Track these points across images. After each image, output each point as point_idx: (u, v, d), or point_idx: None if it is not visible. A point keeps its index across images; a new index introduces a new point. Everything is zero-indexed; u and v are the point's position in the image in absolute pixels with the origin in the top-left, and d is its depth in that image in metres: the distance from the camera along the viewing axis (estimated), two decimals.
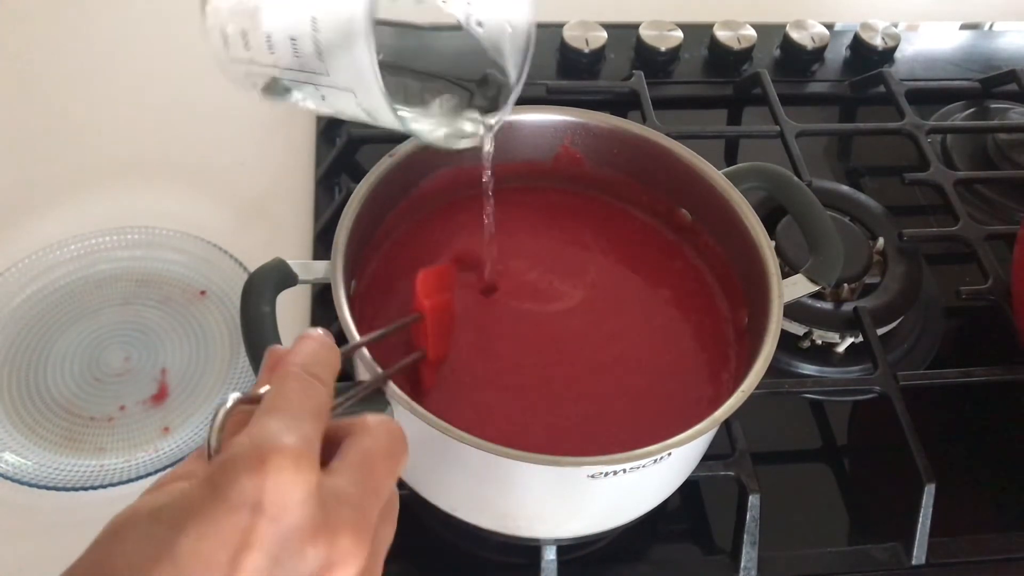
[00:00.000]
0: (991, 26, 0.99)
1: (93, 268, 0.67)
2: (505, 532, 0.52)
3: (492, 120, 0.50)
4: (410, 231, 0.58)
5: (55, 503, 0.56)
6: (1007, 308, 0.67)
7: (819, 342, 0.68)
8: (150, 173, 0.75)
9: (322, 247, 0.69)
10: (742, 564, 0.56)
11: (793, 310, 0.66)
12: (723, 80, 0.86)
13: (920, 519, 0.57)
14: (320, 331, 0.37)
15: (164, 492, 0.31)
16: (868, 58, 0.89)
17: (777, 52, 0.89)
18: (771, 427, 0.65)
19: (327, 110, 0.45)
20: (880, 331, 0.67)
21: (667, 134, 0.59)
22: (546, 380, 0.52)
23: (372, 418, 0.35)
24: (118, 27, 0.86)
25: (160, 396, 0.61)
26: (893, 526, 0.59)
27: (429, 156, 0.56)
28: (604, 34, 0.85)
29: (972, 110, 0.87)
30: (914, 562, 0.58)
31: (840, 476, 0.64)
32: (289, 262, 0.50)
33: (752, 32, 0.87)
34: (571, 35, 0.85)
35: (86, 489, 0.56)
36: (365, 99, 0.42)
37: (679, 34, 0.86)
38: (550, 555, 0.54)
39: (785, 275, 0.53)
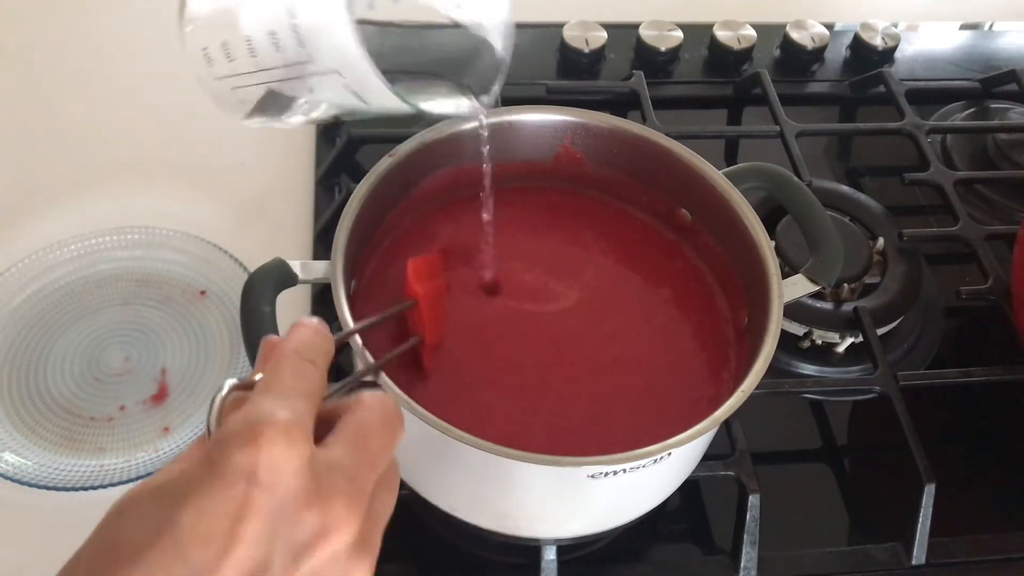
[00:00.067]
0: (991, 26, 0.99)
1: (93, 268, 0.67)
2: (505, 532, 0.52)
3: (487, 98, 0.49)
4: (410, 231, 0.58)
5: (55, 503, 0.56)
6: (1007, 308, 0.67)
7: (819, 342, 0.68)
8: (150, 173, 0.75)
9: (322, 247, 0.69)
10: (742, 564, 0.56)
11: (793, 310, 0.66)
12: (723, 80, 0.86)
13: (920, 519, 0.57)
14: (315, 319, 0.37)
15: (165, 472, 0.32)
16: (868, 58, 0.89)
17: (777, 52, 0.89)
18: (771, 427, 0.65)
19: (317, 115, 0.45)
20: (880, 331, 0.67)
21: (667, 134, 0.59)
22: (546, 380, 0.52)
23: (367, 394, 0.36)
24: (118, 27, 0.86)
25: (160, 396, 0.61)
26: (893, 526, 0.59)
27: (429, 156, 0.56)
28: (604, 34, 0.85)
29: (972, 110, 0.87)
30: (914, 562, 0.58)
31: (840, 476, 0.64)
32: (289, 262, 0.50)
33: (752, 32, 0.87)
34: (571, 35, 0.85)
35: (86, 489, 0.56)
36: (351, 73, 0.42)
37: (679, 34, 0.86)
38: (550, 555, 0.54)
39: (785, 275, 0.53)
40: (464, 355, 0.53)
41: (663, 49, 0.86)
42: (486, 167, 0.52)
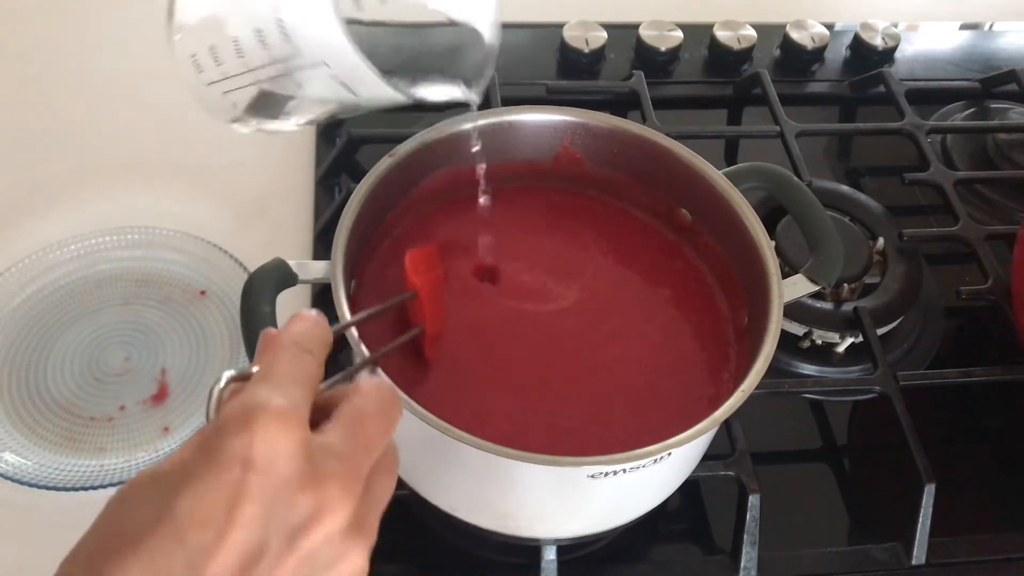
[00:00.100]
0: (991, 26, 0.99)
1: (93, 268, 0.67)
2: (505, 532, 0.52)
3: (479, 87, 0.49)
4: (410, 231, 0.58)
5: (55, 503, 0.56)
6: (1007, 308, 0.67)
7: (819, 342, 0.68)
8: (150, 173, 0.75)
9: (322, 247, 0.69)
10: (742, 564, 0.56)
11: (793, 310, 0.66)
12: (723, 80, 0.86)
13: (920, 519, 0.57)
14: (314, 311, 0.38)
15: (164, 461, 0.33)
16: (868, 58, 0.89)
17: (777, 52, 0.89)
18: (771, 427, 0.65)
19: (312, 116, 0.45)
20: (880, 331, 0.67)
21: (667, 134, 0.59)
22: (546, 380, 0.52)
23: (364, 381, 0.36)
24: (118, 27, 0.86)
25: (160, 396, 0.61)
26: (893, 526, 0.59)
27: (429, 156, 0.56)
28: (604, 34, 0.85)
29: (972, 110, 0.87)
30: (914, 562, 0.58)
31: (840, 476, 0.64)
32: (289, 262, 0.50)
33: (752, 32, 0.87)
34: (571, 35, 0.85)
35: (86, 489, 0.56)
36: (338, 63, 0.42)
37: (679, 34, 0.86)
38: (550, 555, 0.54)
39: (785, 275, 0.53)
40: (464, 355, 0.53)
41: (663, 49, 0.86)
42: (476, 147, 0.52)
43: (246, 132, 0.49)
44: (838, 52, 0.90)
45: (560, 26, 0.86)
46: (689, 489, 0.57)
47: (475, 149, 0.52)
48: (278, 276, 0.50)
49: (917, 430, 0.60)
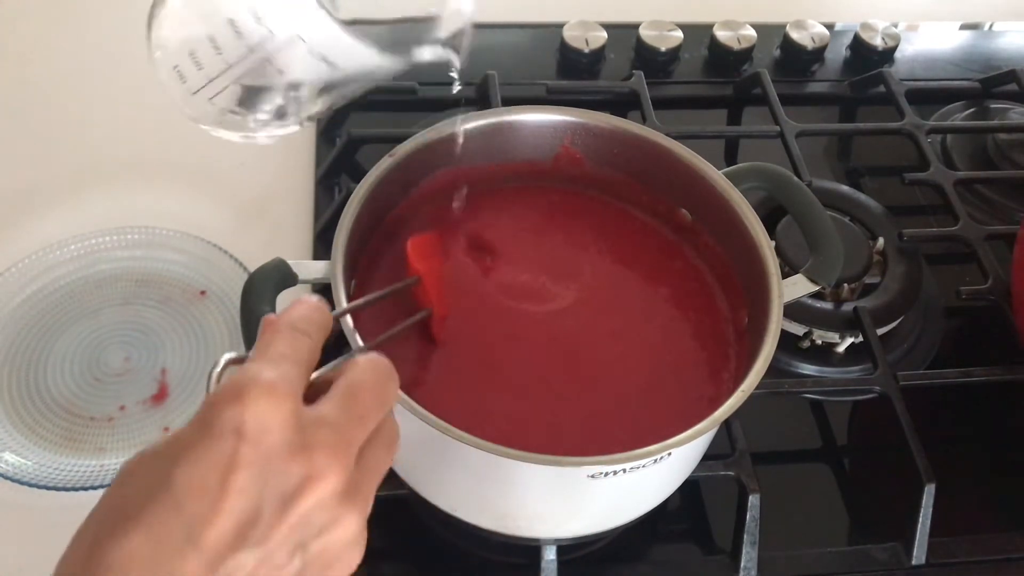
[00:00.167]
0: (991, 26, 0.99)
1: (93, 268, 0.67)
2: (505, 532, 0.52)
3: (462, 53, 0.49)
4: (410, 231, 0.58)
5: (55, 503, 0.56)
6: (1007, 308, 0.67)
7: (819, 342, 0.68)
8: (150, 173, 0.75)
9: (322, 247, 0.69)
10: (742, 564, 0.56)
11: (793, 310, 0.66)
12: (723, 80, 0.86)
13: (920, 519, 0.57)
14: (315, 297, 0.39)
15: (163, 438, 0.34)
16: (868, 58, 0.89)
17: (777, 52, 0.89)
18: (771, 427, 0.65)
19: (305, 114, 0.45)
20: (880, 331, 0.67)
21: (667, 134, 0.59)
22: (546, 380, 0.52)
23: (360, 357, 0.37)
24: (118, 27, 0.86)
25: (160, 396, 0.61)
26: (893, 526, 0.59)
27: (429, 156, 0.56)
28: (604, 34, 0.85)
29: (972, 110, 0.87)
30: (914, 562, 0.58)
31: (840, 476, 0.64)
32: (289, 262, 0.50)
33: (752, 32, 0.87)
34: (571, 35, 0.85)
35: (86, 489, 0.56)
36: (312, 33, 0.42)
37: (679, 34, 0.86)
38: (550, 555, 0.54)
39: (785, 275, 0.53)
40: (464, 355, 0.53)
41: (663, 49, 0.86)
42: (459, 130, 0.53)
43: (238, 140, 0.49)
44: (838, 52, 0.90)
45: (560, 26, 0.86)
46: (689, 489, 0.57)
47: (458, 129, 0.52)
48: (278, 276, 0.50)
49: (917, 430, 0.60)
